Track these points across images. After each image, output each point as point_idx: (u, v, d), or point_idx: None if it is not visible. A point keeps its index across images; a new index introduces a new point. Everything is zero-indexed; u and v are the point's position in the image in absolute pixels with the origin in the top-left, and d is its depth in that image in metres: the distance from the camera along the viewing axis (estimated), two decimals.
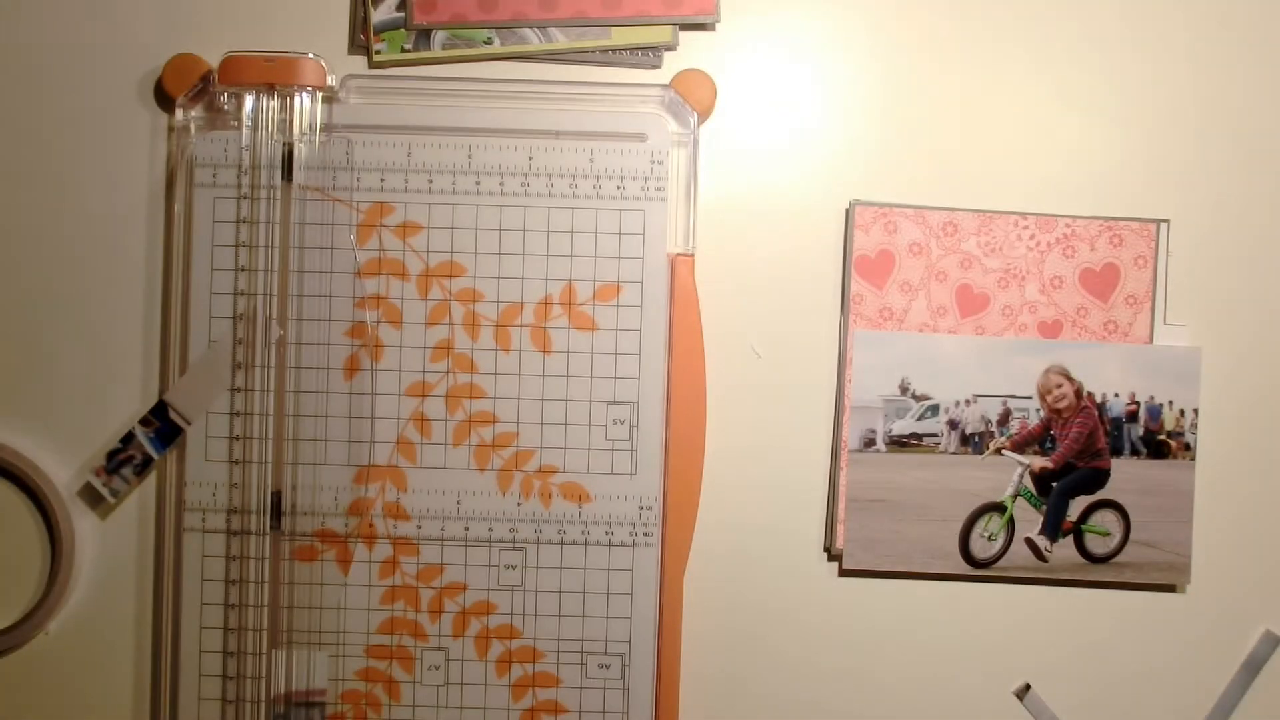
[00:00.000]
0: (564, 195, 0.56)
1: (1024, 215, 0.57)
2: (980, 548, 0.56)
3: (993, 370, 0.56)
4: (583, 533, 0.56)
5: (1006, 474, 0.56)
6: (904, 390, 0.55)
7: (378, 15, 0.57)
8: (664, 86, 0.56)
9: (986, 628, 0.57)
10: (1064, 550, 0.56)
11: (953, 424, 0.56)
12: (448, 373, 0.56)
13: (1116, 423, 0.56)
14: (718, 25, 0.58)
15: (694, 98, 0.56)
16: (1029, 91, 0.58)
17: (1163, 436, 0.56)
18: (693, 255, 0.56)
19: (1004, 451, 0.55)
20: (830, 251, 0.57)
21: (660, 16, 0.57)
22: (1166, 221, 0.57)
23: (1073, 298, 0.57)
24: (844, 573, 0.57)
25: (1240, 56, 0.58)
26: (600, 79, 0.57)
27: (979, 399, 0.55)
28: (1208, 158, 0.58)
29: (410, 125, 0.56)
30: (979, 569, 0.56)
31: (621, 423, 0.56)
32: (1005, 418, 0.56)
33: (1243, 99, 0.58)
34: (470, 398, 0.56)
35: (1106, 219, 0.57)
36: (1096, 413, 0.56)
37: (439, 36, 0.57)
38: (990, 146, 0.57)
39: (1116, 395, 0.56)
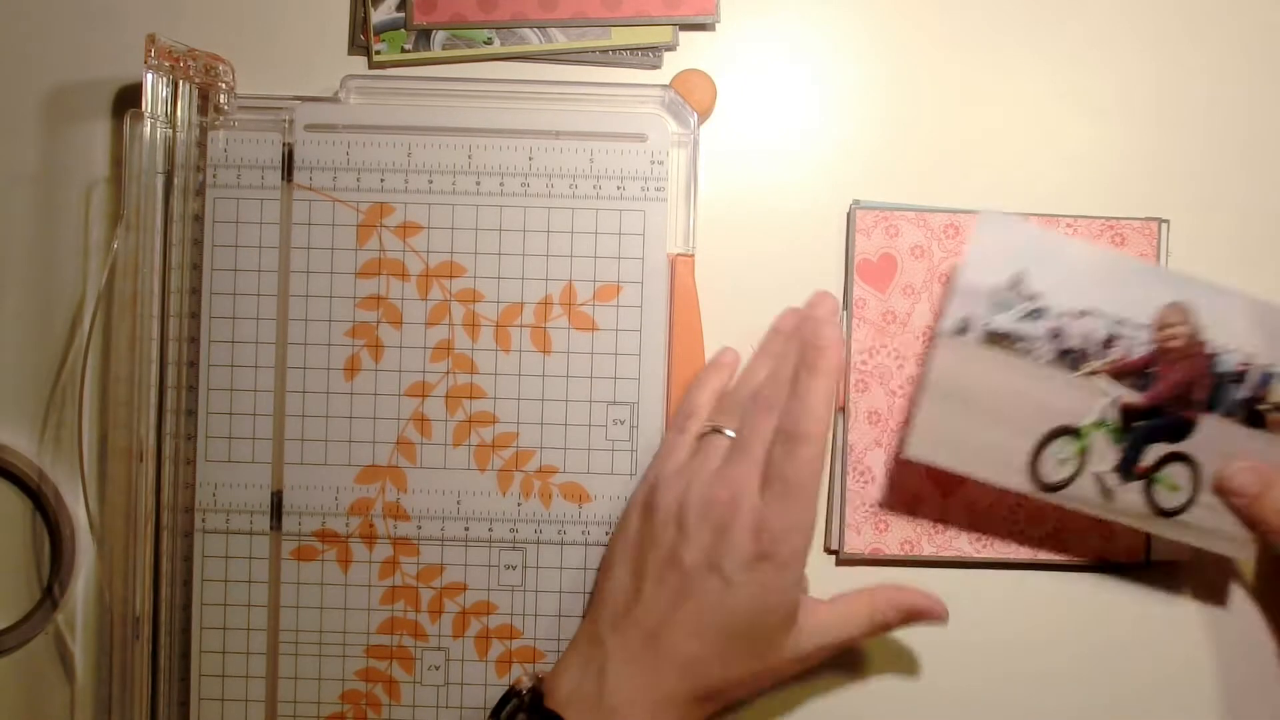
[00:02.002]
0: (564, 195, 0.56)
1: (1024, 216, 0.56)
2: (1050, 469, 0.52)
3: (1113, 288, 0.52)
4: (583, 533, 0.56)
5: (1094, 401, 0.52)
6: (1014, 285, 0.52)
7: (378, 15, 0.57)
8: (664, 86, 0.56)
9: (989, 617, 0.57)
10: (1129, 495, 0.53)
11: (1054, 333, 0.52)
12: (448, 373, 0.56)
13: (1221, 379, 0.52)
14: (718, 25, 0.57)
15: (694, 98, 0.56)
16: (1029, 91, 0.58)
17: (1265, 407, 0.52)
18: (693, 255, 0.56)
19: (1097, 375, 0.52)
20: (831, 252, 0.57)
21: (660, 16, 0.57)
22: (1166, 221, 0.57)
23: None
24: (841, 562, 0.57)
25: (1242, 56, 0.58)
26: (600, 79, 0.57)
27: (1087, 314, 0.52)
28: (1208, 158, 0.58)
29: (410, 125, 0.56)
30: (1044, 491, 0.53)
31: (621, 423, 0.56)
32: (1109, 341, 0.52)
33: (1243, 99, 0.58)
34: (470, 398, 0.56)
35: (1108, 218, 0.56)
36: (1205, 363, 0.52)
37: (439, 37, 0.57)
38: (991, 147, 0.57)
39: (1232, 351, 0.52)
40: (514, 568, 0.56)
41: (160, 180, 0.55)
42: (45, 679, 0.57)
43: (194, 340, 0.56)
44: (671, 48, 0.57)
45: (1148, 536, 0.56)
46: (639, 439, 0.56)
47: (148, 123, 0.53)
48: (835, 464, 0.57)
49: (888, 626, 0.53)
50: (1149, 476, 0.53)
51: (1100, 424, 0.53)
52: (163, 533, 0.56)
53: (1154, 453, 0.53)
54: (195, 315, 0.56)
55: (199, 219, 0.56)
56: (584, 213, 0.56)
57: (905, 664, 0.57)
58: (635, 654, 0.50)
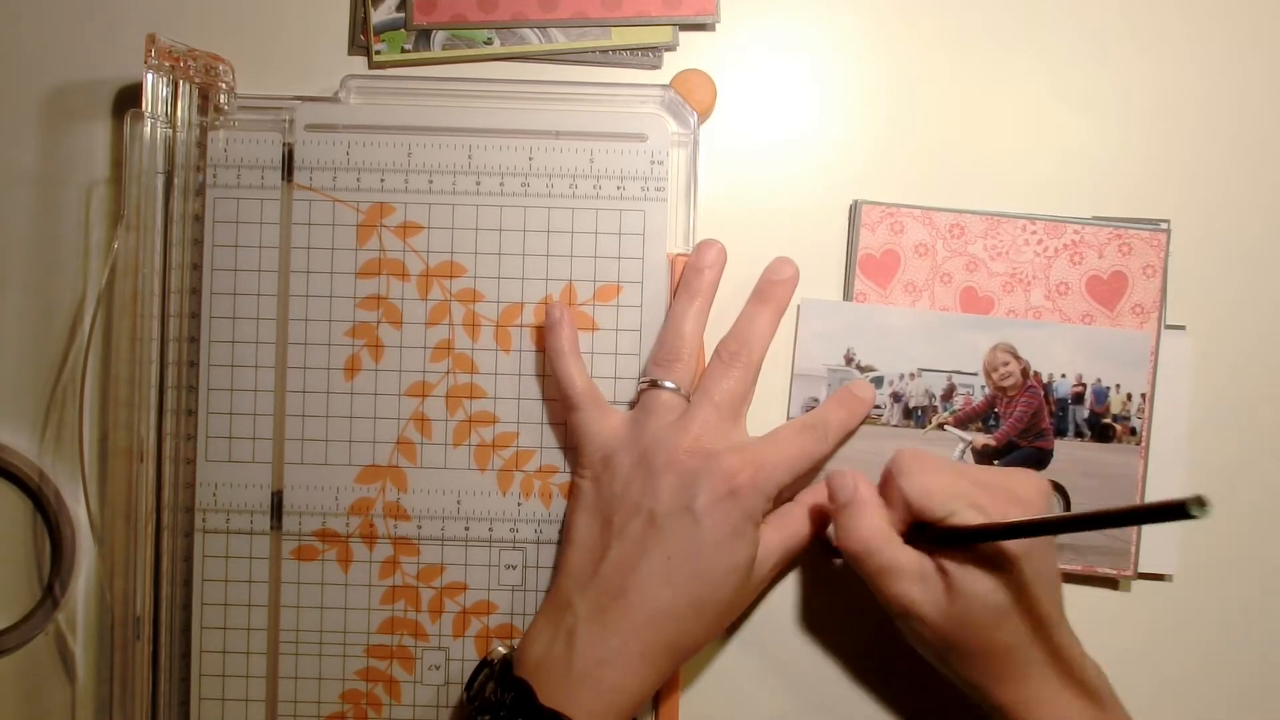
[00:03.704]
0: (564, 195, 0.56)
1: (1032, 220, 0.57)
2: None
3: (939, 345, 0.55)
4: None
5: (948, 449, 0.55)
6: (849, 361, 0.55)
7: (378, 15, 0.57)
8: (664, 86, 0.56)
9: None
10: None
11: (896, 397, 0.55)
12: (448, 373, 0.56)
13: (1062, 403, 0.55)
14: (718, 25, 0.57)
15: (694, 98, 0.56)
16: (1030, 91, 0.58)
17: (1108, 420, 0.55)
18: None
19: (946, 427, 0.55)
20: (831, 252, 0.57)
21: (660, 16, 0.57)
22: (1167, 221, 0.57)
23: (1078, 305, 0.56)
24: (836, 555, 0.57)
25: (1242, 56, 0.58)
26: (600, 79, 0.57)
27: (924, 373, 0.55)
28: (1208, 158, 0.58)
29: (410, 125, 0.56)
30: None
31: None
32: (949, 393, 0.55)
33: (1243, 99, 0.58)
34: (470, 398, 0.56)
35: (1116, 226, 0.56)
36: (1042, 392, 0.55)
37: (439, 37, 0.57)
38: (991, 147, 0.57)
39: (1064, 376, 0.55)
40: (514, 567, 0.56)
41: (160, 180, 0.55)
42: (45, 679, 0.57)
43: (194, 340, 0.56)
44: (671, 48, 0.57)
45: (1136, 549, 0.56)
46: None
47: (148, 123, 0.53)
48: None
49: (825, 523, 0.54)
50: None
51: None
52: (163, 533, 0.56)
53: None
54: (195, 315, 0.56)
55: (199, 219, 0.56)
56: (584, 213, 0.56)
57: (901, 664, 0.57)
58: (604, 612, 0.50)
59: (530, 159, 0.56)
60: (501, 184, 0.56)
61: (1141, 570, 0.57)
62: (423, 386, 0.56)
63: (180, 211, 0.56)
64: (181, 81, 0.55)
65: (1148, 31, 0.58)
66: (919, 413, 0.55)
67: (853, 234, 0.57)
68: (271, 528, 0.56)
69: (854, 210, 0.57)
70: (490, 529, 0.56)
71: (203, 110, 0.56)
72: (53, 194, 0.57)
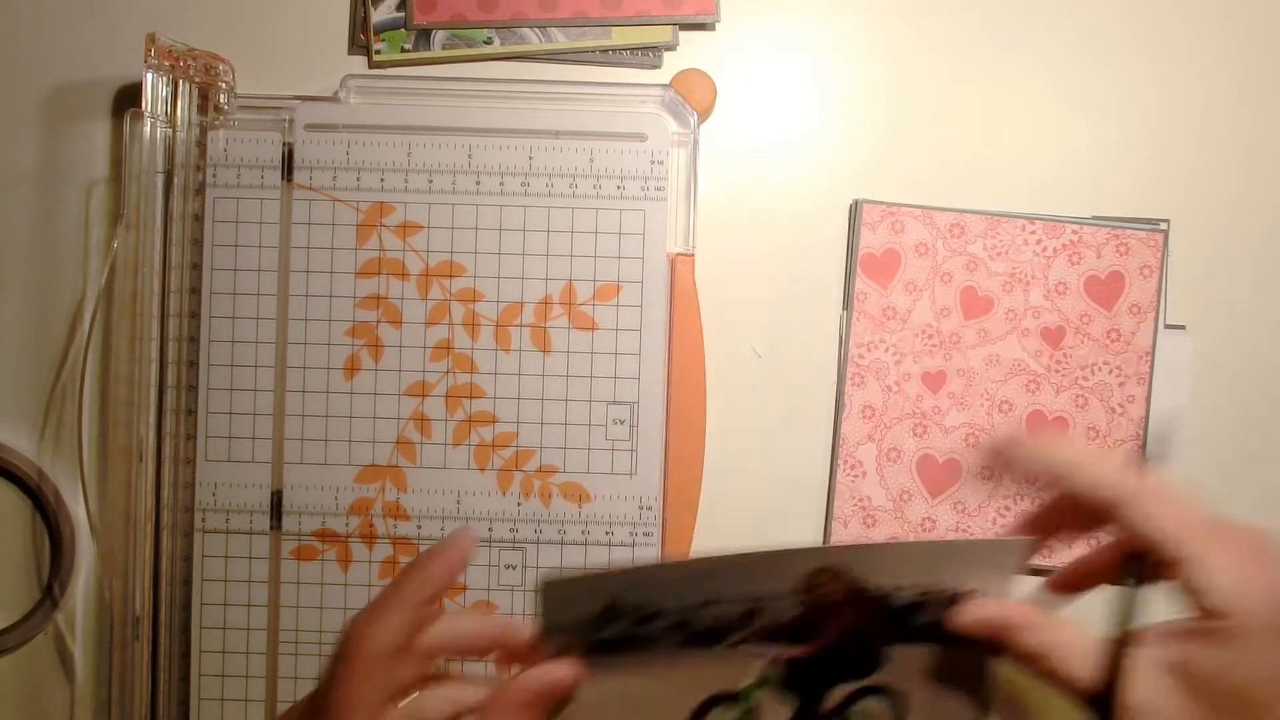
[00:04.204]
0: (564, 195, 0.56)
1: (1031, 219, 0.57)
2: None
3: (735, 582, 0.42)
4: (583, 533, 0.56)
5: (748, 665, 0.43)
6: (610, 610, 0.38)
7: (378, 15, 0.57)
8: (664, 86, 0.56)
9: None
10: None
11: (679, 625, 0.42)
12: (448, 373, 0.56)
13: (899, 613, 0.43)
14: (718, 25, 0.57)
15: (694, 98, 0.56)
16: (1031, 91, 0.58)
17: (951, 626, 0.42)
18: (693, 255, 0.56)
19: (745, 642, 0.43)
20: (831, 251, 0.57)
21: (660, 16, 0.57)
22: (1166, 221, 0.57)
23: (1076, 304, 0.57)
24: None
25: (1242, 56, 0.58)
26: (600, 79, 0.57)
27: (712, 604, 0.41)
28: (1208, 158, 0.58)
29: (410, 125, 0.56)
30: None
31: (621, 423, 0.56)
32: (750, 615, 0.42)
33: (1244, 99, 0.58)
34: (470, 398, 0.56)
35: (1114, 227, 0.56)
36: (874, 605, 0.43)
37: (439, 36, 0.57)
38: (991, 147, 0.57)
39: (905, 588, 0.42)
40: (514, 567, 0.56)
41: (160, 180, 0.55)
42: (45, 679, 0.57)
43: (194, 340, 0.56)
44: (671, 48, 0.57)
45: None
46: (639, 439, 0.56)
47: (148, 122, 0.53)
48: (834, 461, 0.57)
49: None
50: (841, 716, 0.44)
51: (762, 682, 0.44)
52: (163, 532, 0.56)
53: (839, 693, 0.45)
54: (195, 315, 0.56)
55: (199, 219, 0.56)
56: (584, 212, 0.56)
57: None
58: None
59: (530, 159, 0.56)
60: (501, 184, 0.56)
61: None
62: (423, 386, 0.56)
63: (180, 211, 0.56)
64: (181, 81, 0.55)
65: (1147, 32, 0.58)
66: (708, 635, 0.42)
67: (853, 233, 0.57)
68: (271, 528, 0.56)
69: (854, 210, 0.57)
70: (490, 529, 0.56)
71: (203, 110, 0.56)
72: (53, 194, 0.57)
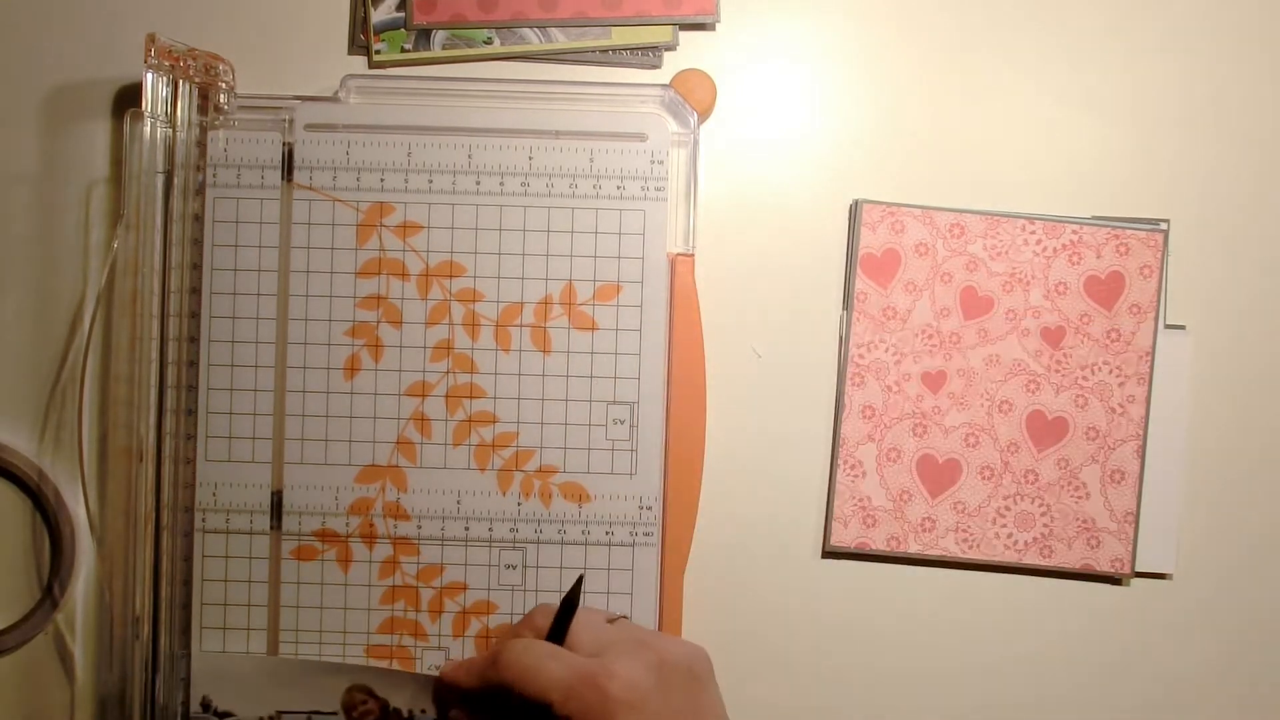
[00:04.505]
0: (564, 195, 0.56)
1: (1031, 220, 0.57)
2: None
3: (294, 688, 0.55)
4: (583, 533, 0.56)
5: None
6: (205, 708, 0.55)
7: (378, 15, 0.57)
8: (664, 86, 0.56)
9: (974, 619, 0.57)
10: None
11: None
12: (448, 373, 0.56)
13: None
14: (718, 25, 0.57)
15: (694, 98, 0.56)
16: (1030, 91, 0.58)
17: None
18: (693, 255, 0.56)
19: None
20: (832, 251, 0.57)
21: (660, 16, 0.57)
22: (1166, 221, 0.57)
23: (1076, 304, 0.57)
24: (827, 554, 0.57)
25: (1242, 56, 0.58)
26: (600, 79, 0.57)
27: (284, 715, 0.55)
28: (1208, 158, 0.58)
29: (410, 125, 0.56)
30: None
31: (621, 423, 0.56)
32: None
33: (1244, 99, 0.58)
34: (470, 398, 0.56)
35: (1114, 227, 0.56)
36: None
37: (439, 36, 0.57)
38: (991, 146, 0.57)
39: (424, 711, 0.55)
40: (514, 567, 0.56)
41: (160, 180, 0.55)
42: (45, 679, 0.57)
43: (194, 340, 0.56)
44: (671, 48, 0.57)
45: (1134, 547, 0.56)
46: (639, 439, 0.56)
47: (148, 122, 0.53)
48: (834, 461, 0.57)
49: None
50: None
51: None
52: (163, 532, 0.56)
53: None
54: (195, 315, 0.56)
55: (199, 219, 0.56)
56: (584, 212, 0.56)
57: (890, 664, 0.57)
58: None
59: (530, 159, 0.56)
60: (501, 184, 0.56)
61: (1141, 569, 0.57)
62: (423, 386, 0.56)
63: (180, 211, 0.56)
64: (181, 81, 0.55)
65: (1148, 32, 0.58)
66: None
67: (853, 233, 0.57)
68: (271, 528, 0.56)
69: (854, 210, 0.57)
70: (490, 529, 0.56)
71: (203, 110, 0.56)
72: (52, 194, 0.57)
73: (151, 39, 0.52)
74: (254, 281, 0.56)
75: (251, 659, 0.55)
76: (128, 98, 0.57)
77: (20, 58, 0.57)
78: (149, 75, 0.53)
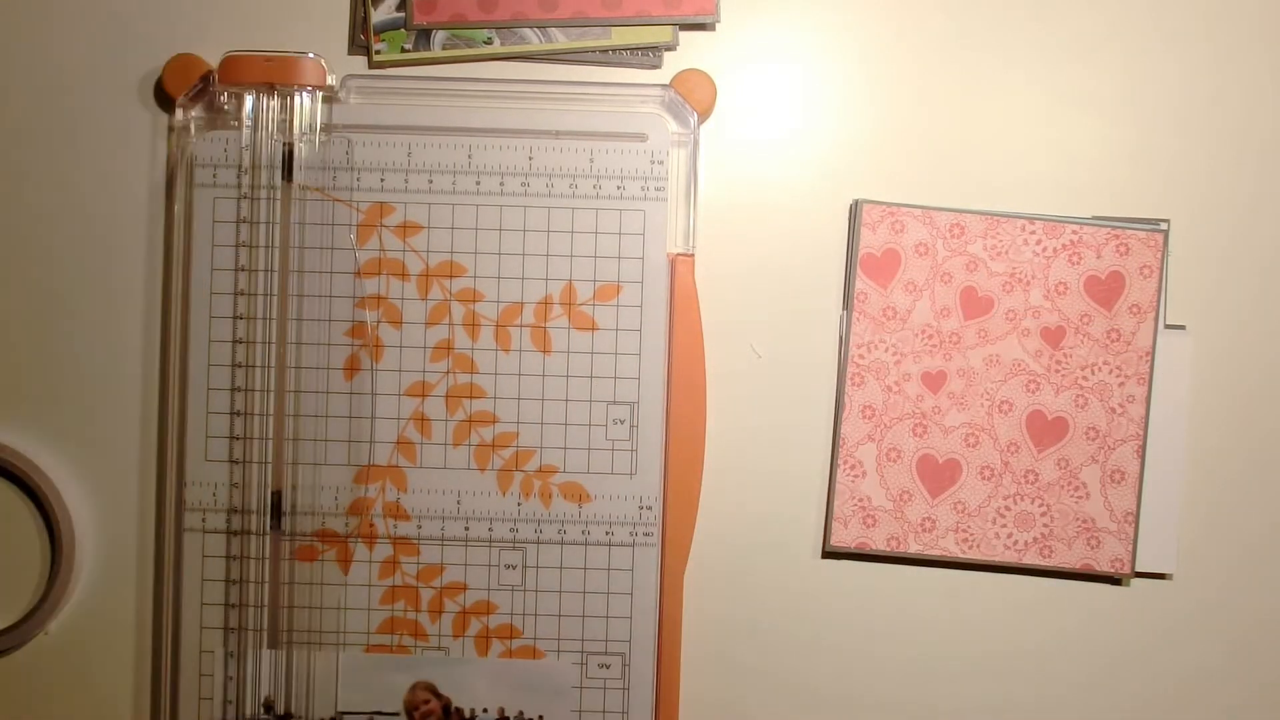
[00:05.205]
0: (564, 195, 0.56)
1: (1031, 220, 0.57)
2: None
3: (355, 688, 0.56)
4: (583, 533, 0.56)
5: None
6: (267, 709, 0.55)
7: (378, 15, 0.57)
8: (664, 86, 0.56)
9: (974, 619, 0.57)
10: None
11: None
12: (448, 373, 0.56)
13: None
14: (718, 25, 0.57)
15: (694, 98, 0.56)
16: (1030, 91, 0.58)
17: None
18: (693, 255, 0.56)
19: None
20: (832, 251, 0.57)
21: (660, 16, 0.57)
22: (1166, 221, 0.57)
23: (1076, 304, 0.57)
24: (827, 554, 0.57)
25: (1242, 56, 0.58)
26: (600, 79, 0.57)
27: (345, 716, 0.55)
28: (1208, 158, 0.58)
29: (410, 125, 0.56)
30: None
31: (621, 423, 0.56)
32: None
33: (1244, 99, 0.58)
34: (470, 398, 0.56)
35: (1114, 227, 0.56)
36: None
37: (439, 36, 0.57)
38: (993, 147, 0.57)
39: (485, 710, 0.55)
40: (514, 567, 0.56)
41: (162, 180, 0.55)
42: (45, 679, 0.57)
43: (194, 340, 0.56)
44: (671, 48, 0.57)
45: (1134, 547, 0.56)
46: (639, 439, 0.56)
47: (149, 123, 0.53)
48: (834, 461, 0.57)
49: None
50: None
51: None
52: (163, 532, 0.56)
53: None
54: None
55: (198, 219, 0.56)
56: (584, 212, 0.56)
57: (890, 665, 0.57)
58: None
59: (530, 159, 0.56)
60: (501, 184, 0.56)
61: (1141, 570, 0.57)
62: (422, 386, 0.56)
63: (180, 211, 0.56)
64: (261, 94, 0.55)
65: (1148, 32, 0.58)
66: None
67: (853, 233, 0.57)
68: (271, 528, 0.56)
69: (855, 210, 0.57)
70: (490, 529, 0.56)
71: (205, 111, 0.56)
72: (54, 194, 0.57)
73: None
74: (254, 281, 0.56)
75: (319, 656, 0.56)
76: (128, 98, 0.57)
77: (29, 59, 0.57)
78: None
